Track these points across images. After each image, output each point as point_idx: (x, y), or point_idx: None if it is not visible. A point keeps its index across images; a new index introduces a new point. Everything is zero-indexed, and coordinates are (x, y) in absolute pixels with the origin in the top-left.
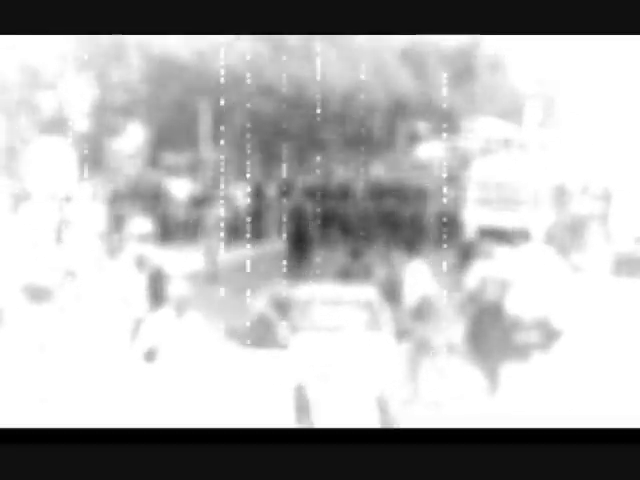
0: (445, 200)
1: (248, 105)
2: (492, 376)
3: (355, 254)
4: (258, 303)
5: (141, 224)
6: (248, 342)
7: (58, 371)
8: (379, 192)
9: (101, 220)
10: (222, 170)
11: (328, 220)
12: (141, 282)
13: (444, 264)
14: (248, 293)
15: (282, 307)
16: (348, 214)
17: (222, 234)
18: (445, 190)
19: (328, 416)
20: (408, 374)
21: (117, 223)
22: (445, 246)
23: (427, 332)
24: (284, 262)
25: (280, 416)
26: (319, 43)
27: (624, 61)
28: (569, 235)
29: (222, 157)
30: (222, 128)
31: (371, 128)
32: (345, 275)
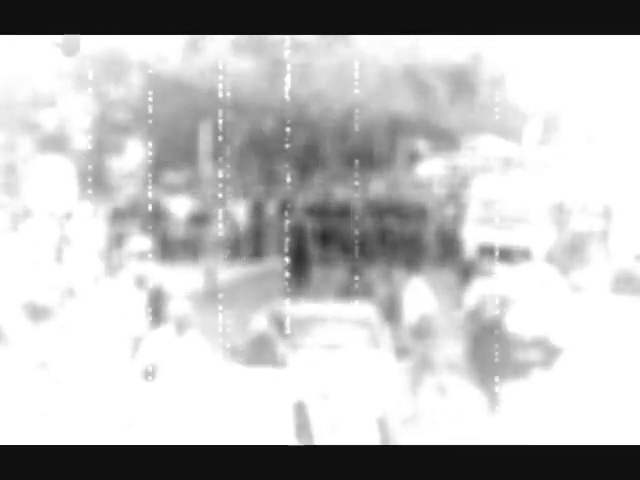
0: (445, 218)
1: (248, 123)
2: (492, 394)
3: (355, 272)
4: (258, 321)
5: (141, 242)
6: (248, 360)
7: (58, 389)
8: (379, 210)
9: (101, 238)
10: (222, 188)
11: (328, 238)
12: (141, 300)
13: (444, 282)
14: (248, 311)
15: (282, 325)
16: (348, 232)
17: (222, 252)
18: (445, 208)
19: (328, 434)
20: (408, 392)
21: (117, 241)
22: (445, 264)
23: (427, 350)
24: (284, 280)
25: (280, 434)
26: (319, 60)
27: (624, 78)
28: (569, 253)
29: (222, 175)
30: (222, 146)
31: (371, 146)
32: (345, 293)
